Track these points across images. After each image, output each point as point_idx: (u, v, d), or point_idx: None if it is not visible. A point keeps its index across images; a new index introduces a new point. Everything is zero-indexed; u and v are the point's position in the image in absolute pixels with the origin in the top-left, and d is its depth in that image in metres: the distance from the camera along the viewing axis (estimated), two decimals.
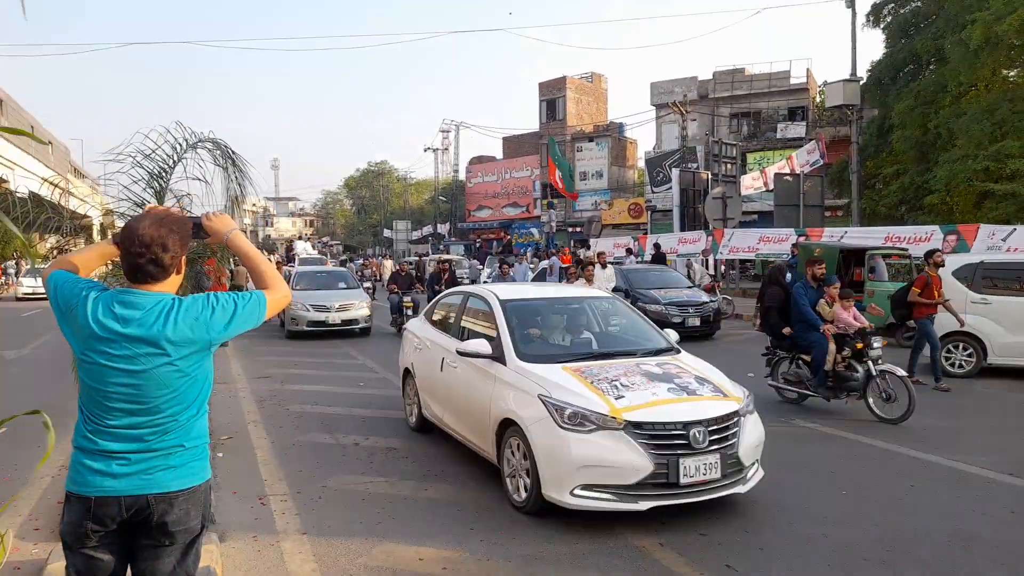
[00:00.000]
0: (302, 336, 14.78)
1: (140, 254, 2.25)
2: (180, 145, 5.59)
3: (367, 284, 17.74)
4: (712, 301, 14.60)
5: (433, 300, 7.47)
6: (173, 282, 2.36)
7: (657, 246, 23.57)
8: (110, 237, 2.65)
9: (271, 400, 8.85)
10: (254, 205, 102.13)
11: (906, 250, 14.78)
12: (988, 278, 10.09)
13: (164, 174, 5.85)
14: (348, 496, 5.35)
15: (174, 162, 5.81)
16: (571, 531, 4.58)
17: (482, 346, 5.57)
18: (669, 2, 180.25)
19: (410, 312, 14.03)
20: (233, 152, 5.87)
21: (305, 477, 5.79)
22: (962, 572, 4.05)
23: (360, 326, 15.12)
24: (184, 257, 2.43)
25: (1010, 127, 19.82)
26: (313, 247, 53.50)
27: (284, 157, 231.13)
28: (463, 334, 6.29)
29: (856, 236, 18.87)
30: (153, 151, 5.68)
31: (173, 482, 2.31)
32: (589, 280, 11.31)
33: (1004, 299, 9.81)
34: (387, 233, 65.30)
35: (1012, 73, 21.68)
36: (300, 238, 71.60)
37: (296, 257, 39.49)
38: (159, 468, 2.29)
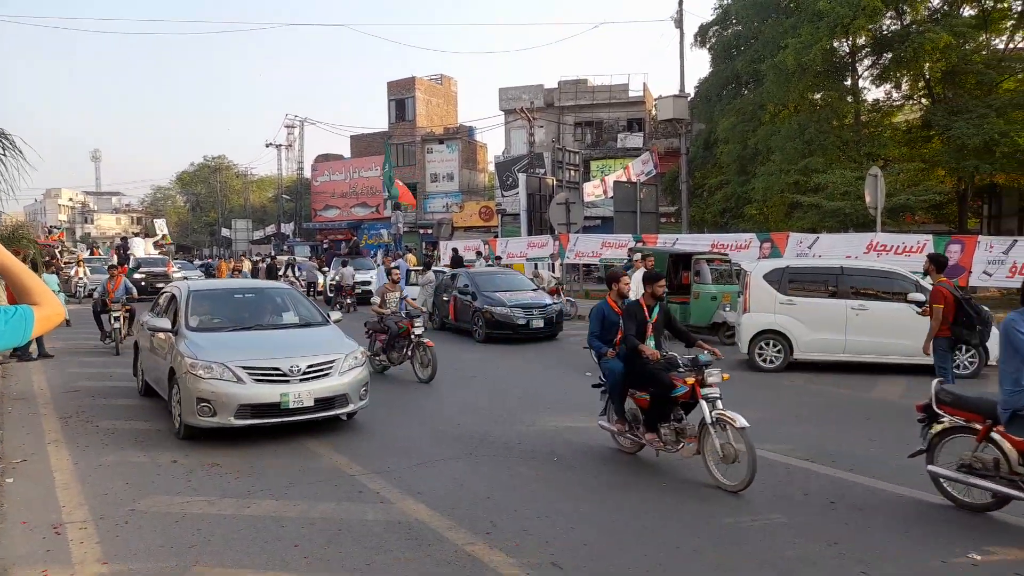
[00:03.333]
0: (223, 435, 6.83)
1: None
2: None
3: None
4: (556, 303, 15.04)
5: None
6: None
7: (455, 250, 25.39)
8: None
9: (78, 416, 8.00)
10: (71, 199, 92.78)
11: (727, 256, 16.01)
12: (793, 281, 11.11)
13: None
14: (159, 519, 4.93)
15: None
16: None
17: None
18: (515, 10, 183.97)
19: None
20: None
21: (111, 501, 5.28)
22: (763, 548, 4.40)
23: (349, 408, 7.29)
24: None
25: (816, 145, 22.16)
26: (155, 246, 45.79)
27: (107, 149, 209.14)
28: None
29: (687, 242, 20.24)
30: None
31: None
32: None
33: (806, 300, 10.87)
34: (225, 232, 61.60)
35: (818, 96, 24.22)
36: (138, 235, 59.76)
37: (132, 257, 32.68)
38: None
